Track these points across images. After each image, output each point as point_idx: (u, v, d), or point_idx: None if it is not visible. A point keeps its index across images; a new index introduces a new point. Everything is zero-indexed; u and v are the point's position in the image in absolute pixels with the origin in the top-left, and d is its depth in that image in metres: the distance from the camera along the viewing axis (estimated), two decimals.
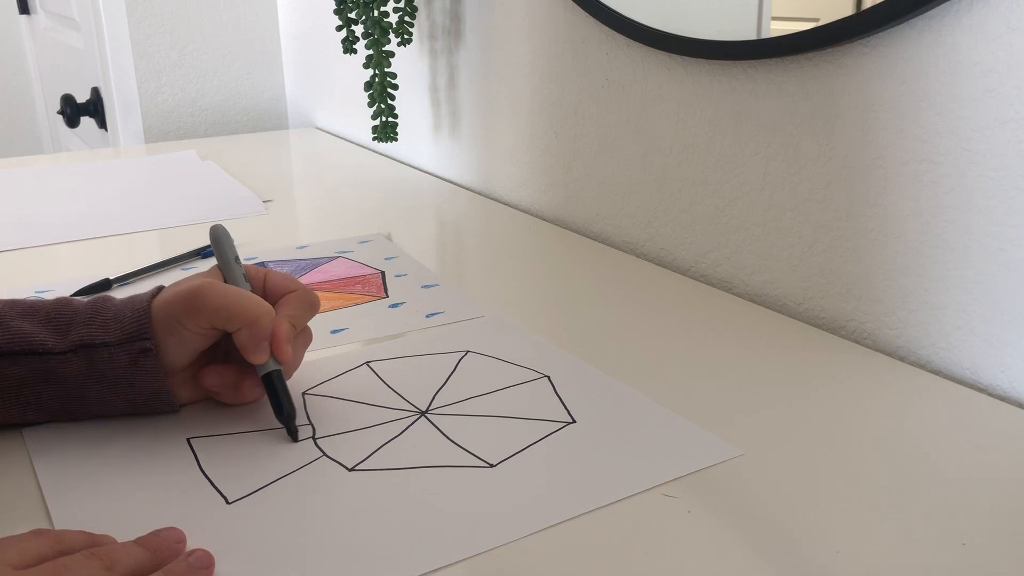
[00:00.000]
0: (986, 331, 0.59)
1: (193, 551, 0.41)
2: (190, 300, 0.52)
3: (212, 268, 0.58)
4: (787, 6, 0.70)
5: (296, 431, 0.53)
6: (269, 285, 0.57)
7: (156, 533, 0.42)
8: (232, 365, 0.55)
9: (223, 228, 0.60)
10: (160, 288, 0.55)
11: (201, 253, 0.85)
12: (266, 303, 0.54)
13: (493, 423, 0.54)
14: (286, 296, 0.56)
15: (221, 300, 0.52)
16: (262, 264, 0.83)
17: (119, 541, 0.42)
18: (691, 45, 0.75)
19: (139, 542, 0.41)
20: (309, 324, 0.58)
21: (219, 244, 0.59)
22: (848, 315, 0.68)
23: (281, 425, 0.53)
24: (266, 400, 0.56)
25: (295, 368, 0.57)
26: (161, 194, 1.09)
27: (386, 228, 0.95)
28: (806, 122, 0.68)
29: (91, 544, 0.41)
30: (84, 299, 0.55)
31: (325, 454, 0.51)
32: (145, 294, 0.55)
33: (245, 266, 0.58)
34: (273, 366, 0.53)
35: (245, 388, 0.55)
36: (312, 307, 0.57)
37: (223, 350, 0.56)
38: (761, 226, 0.74)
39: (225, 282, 0.56)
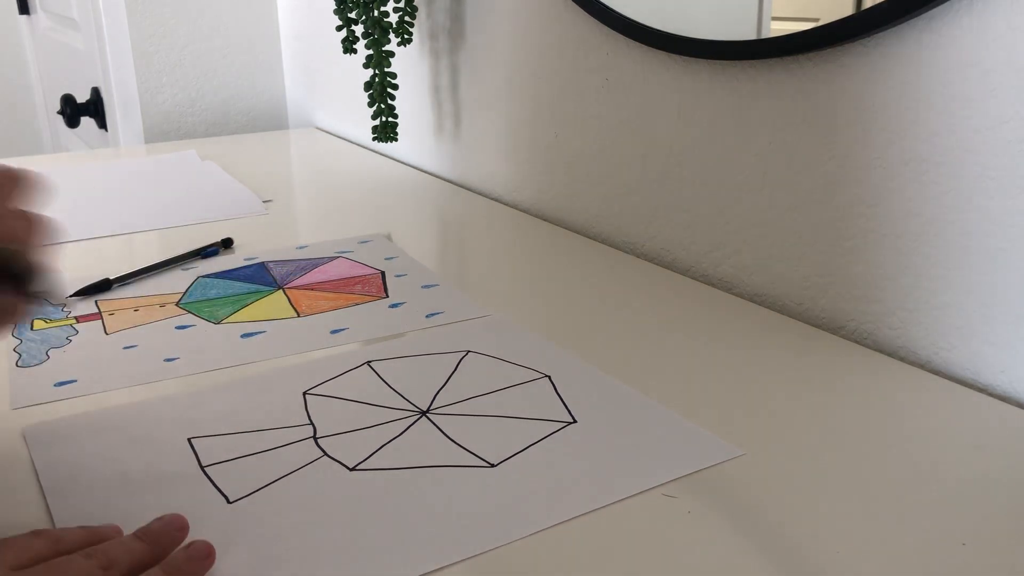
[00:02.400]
0: (986, 331, 0.59)
1: (193, 542, 0.41)
2: None
3: None
4: (787, 6, 0.70)
5: (50, 289, 0.45)
6: None
7: (156, 522, 0.43)
8: None
9: None
10: None
11: (201, 253, 0.85)
12: None
13: (494, 423, 0.54)
14: None
15: None
16: (261, 264, 0.83)
17: (122, 532, 0.42)
18: (691, 45, 0.75)
19: (138, 534, 0.41)
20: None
21: None
22: (848, 315, 0.68)
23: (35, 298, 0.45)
24: (268, 401, 0.55)
25: (32, 251, 0.46)
26: (161, 194, 1.09)
27: (386, 228, 0.95)
28: (806, 122, 0.68)
29: (91, 540, 0.41)
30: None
31: (326, 454, 0.51)
32: None
33: None
34: None
35: None
36: (11, 179, 0.46)
37: None
38: (761, 226, 0.74)
39: None
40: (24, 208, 0.46)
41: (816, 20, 0.65)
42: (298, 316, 0.71)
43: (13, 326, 0.49)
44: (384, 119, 1.10)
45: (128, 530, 0.43)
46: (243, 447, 0.52)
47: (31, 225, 0.46)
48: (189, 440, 0.53)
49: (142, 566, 0.40)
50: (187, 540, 0.43)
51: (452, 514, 0.45)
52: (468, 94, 1.10)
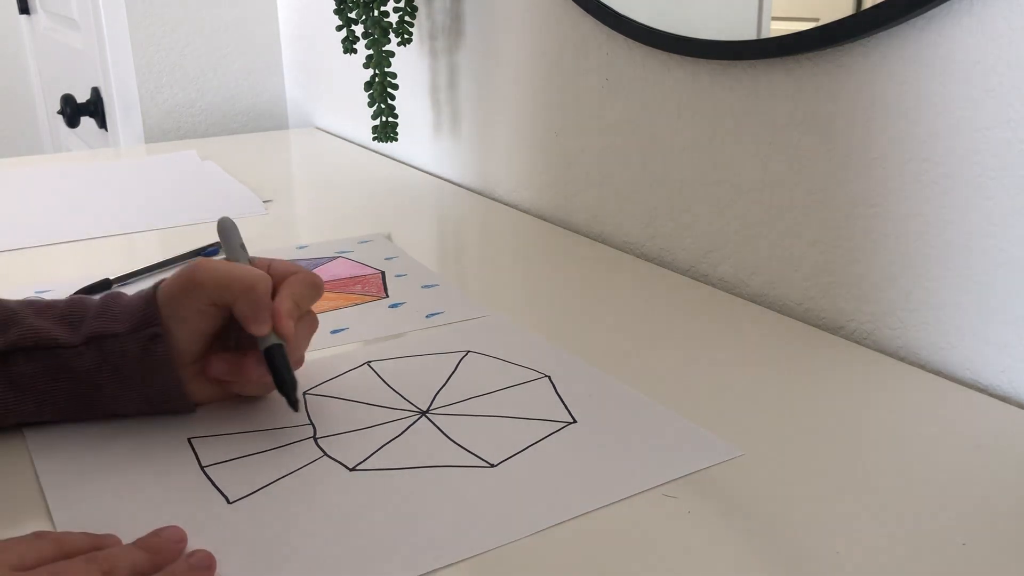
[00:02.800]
0: (986, 331, 0.59)
1: (194, 552, 0.41)
2: (187, 278, 0.53)
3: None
4: (787, 6, 0.70)
5: (297, 401, 0.52)
6: (273, 268, 0.57)
7: (156, 533, 0.42)
8: (238, 352, 0.55)
9: (230, 220, 0.61)
10: (163, 280, 0.56)
11: (201, 253, 0.85)
12: (262, 271, 0.54)
13: (494, 423, 0.54)
14: (289, 277, 0.56)
15: (215, 272, 0.52)
16: None
17: (122, 542, 0.42)
18: (691, 45, 0.75)
19: (139, 544, 0.41)
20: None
21: (226, 233, 0.60)
22: (848, 315, 0.68)
23: (283, 396, 0.53)
24: (268, 399, 0.56)
25: (300, 352, 0.57)
26: (161, 194, 1.09)
27: (386, 228, 0.95)
28: (806, 122, 0.68)
29: (93, 546, 0.41)
30: (97, 296, 0.56)
31: (326, 454, 0.51)
32: (150, 286, 0.55)
33: (250, 256, 0.59)
34: (275, 340, 0.53)
35: (248, 365, 0.54)
36: (315, 287, 0.56)
37: (235, 341, 0.56)
38: (761, 226, 0.74)
39: None
40: (307, 314, 0.57)
41: (816, 20, 0.65)
42: None
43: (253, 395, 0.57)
44: (384, 119, 1.10)
45: (127, 535, 0.43)
46: (243, 447, 0.52)
47: (306, 330, 0.57)
48: (189, 440, 0.53)
49: (143, 574, 0.40)
50: (186, 545, 0.43)
51: (452, 514, 0.45)
52: (468, 94, 1.10)
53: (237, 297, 0.52)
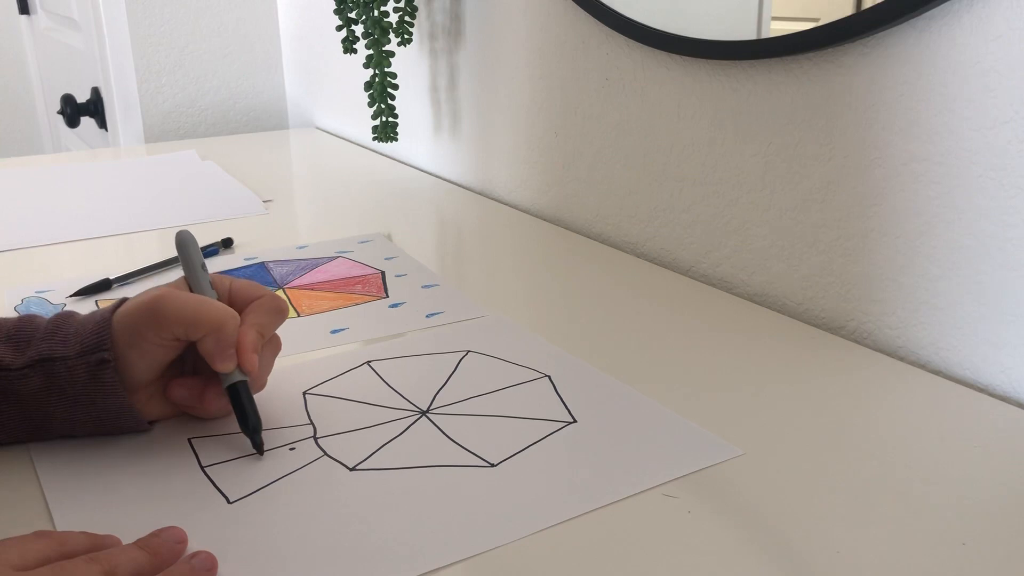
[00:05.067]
0: (986, 331, 0.59)
1: (196, 553, 0.41)
2: (151, 310, 0.50)
3: (179, 279, 0.57)
4: (787, 6, 0.70)
5: (261, 444, 0.51)
6: (235, 292, 0.56)
7: (156, 534, 0.42)
8: (200, 377, 0.54)
9: (189, 234, 0.58)
10: (123, 300, 0.53)
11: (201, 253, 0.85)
12: (230, 309, 0.52)
13: (494, 423, 0.54)
14: (253, 303, 0.55)
15: (182, 308, 0.50)
16: (262, 264, 0.83)
17: (122, 542, 0.42)
18: (691, 45, 0.75)
19: (139, 544, 0.41)
20: (280, 332, 0.57)
21: (185, 250, 0.57)
22: (848, 315, 0.68)
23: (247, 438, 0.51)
24: (268, 401, 0.55)
25: (263, 378, 0.55)
26: (161, 194, 1.09)
27: (386, 228, 0.95)
28: (806, 122, 0.68)
29: (94, 546, 0.41)
30: (48, 316, 0.54)
31: (326, 454, 0.51)
32: (108, 307, 0.53)
33: (211, 275, 0.57)
34: (239, 376, 0.52)
35: (208, 399, 0.53)
36: (279, 313, 0.55)
37: (191, 363, 0.55)
38: (761, 226, 0.74)
39: (190, 290, 0.55)
40: (270, 340, 0.55)
41: (816, 20, 0.65)
42: (298, 316, 0.71)
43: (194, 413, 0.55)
44: (384, 119, 1.10)
45: (127, 535, 0.43)
46: (243, 447, 0.52)
47: (268, 357, 0.55)
48: (189, 440, 0.53)
49: (144, 575, 0.40)
50: (187, 545, 0.43)
51: (452, 514, 0.45)
52: (468, 94, 1.10)
53: (204, 335, 0.51)
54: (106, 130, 1.71)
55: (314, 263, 0.83)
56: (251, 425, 0.51)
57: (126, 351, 0.51)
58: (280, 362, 0.63)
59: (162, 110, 1.54)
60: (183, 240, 0.58)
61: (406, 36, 1.08)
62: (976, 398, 0.57)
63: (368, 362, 0.63)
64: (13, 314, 0.64)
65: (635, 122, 0.84)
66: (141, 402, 0.52)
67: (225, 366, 0.51)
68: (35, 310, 0.72)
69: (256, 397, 0.55)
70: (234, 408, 0.52)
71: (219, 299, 0.55)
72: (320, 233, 0.94)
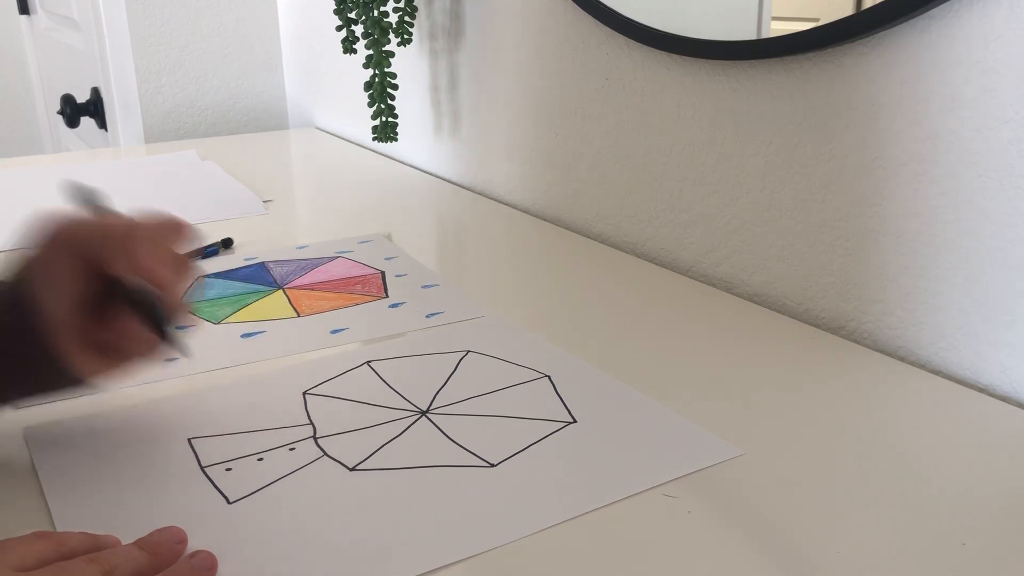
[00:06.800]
0: (986, 331, 0.59)
1: (196, 553, 0.41)
2: (59, 231, 0.49)
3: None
4: (787, 6, 0.70)
5: (181, 340, 0.48)
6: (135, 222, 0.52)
7: (156, 533, 0.42)
8: (118, 320, 0.50)
9: (83, 183, 0.55)
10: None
11: (201, 253, 0.85)
12: (133, 219, 0.50)
13: (494, 423, 0.54)
14: (149, 223, 0.52)
15: (72, 220, 0.49)
16: (262, 264, 0.83)
17: (122, 542, 0.42)
18: (691, 45, 0.75)
19: (139, 544, 0.41)
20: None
21: (87, 194, 0.54)
22: (848, 315, 0.68)
23: (169, 344, 0.48)
24: (268, 401, 0.55)
25: (175, 298, 0.50)
26: (161, 194, 1.09)
27: (386, 228, 0.95)
28: (806, 122, 0.68)
29: (93, 547, 0.41)
30: None
31: (326, 454, 0.51)
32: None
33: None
34: (144, 289, 0.48)
35: (125, 321, 0.49)
36: (175, 228, 0.52)
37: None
38: (761, 226, 0.74)
39: None
40: (177, 258, 0.52)
41: (816, 20, 0.65)
42: (298, 316, 0.71)
43: (144, 362, 0.52)
44: (384, 119, 1.10)
45: (127, 536, 0.43)
46: (243, 447, 0.52)
47: (180, 275, 0.52)
48: (189, 440, 0.53)
49: (143, 575, 0.40)
50: (187, 545, 0.43)
51: (452, 514, 0.45)
52: (468, 94, 1.10)
53: (98, 240, 0.48)
54: (106, 130, 1.71)
55: (314, 263, 0.83)
56: (159, 316, 0.48)
57: (38, 290, 0.48)
58: (280, 362, 0.63)
59: (162, 110, 1.54)
60: (80, 188, 0.54)
61: (406, 36, 1.08)
62: (976, 398, 0.57)
63: (368, 362, 0.63)
64: None
65: (635, 122, 0.84)
66: (69, 351, 0.48)
67: (125, 267, 0.48)
68: None
69: (257, 397, 0.55)
70: (143, 316, 0.48)
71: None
72: (320, 233, 0.94)
